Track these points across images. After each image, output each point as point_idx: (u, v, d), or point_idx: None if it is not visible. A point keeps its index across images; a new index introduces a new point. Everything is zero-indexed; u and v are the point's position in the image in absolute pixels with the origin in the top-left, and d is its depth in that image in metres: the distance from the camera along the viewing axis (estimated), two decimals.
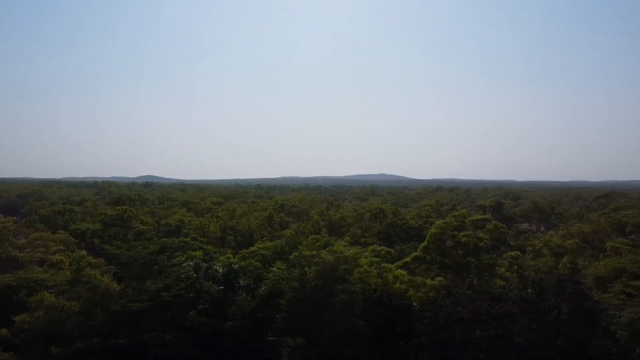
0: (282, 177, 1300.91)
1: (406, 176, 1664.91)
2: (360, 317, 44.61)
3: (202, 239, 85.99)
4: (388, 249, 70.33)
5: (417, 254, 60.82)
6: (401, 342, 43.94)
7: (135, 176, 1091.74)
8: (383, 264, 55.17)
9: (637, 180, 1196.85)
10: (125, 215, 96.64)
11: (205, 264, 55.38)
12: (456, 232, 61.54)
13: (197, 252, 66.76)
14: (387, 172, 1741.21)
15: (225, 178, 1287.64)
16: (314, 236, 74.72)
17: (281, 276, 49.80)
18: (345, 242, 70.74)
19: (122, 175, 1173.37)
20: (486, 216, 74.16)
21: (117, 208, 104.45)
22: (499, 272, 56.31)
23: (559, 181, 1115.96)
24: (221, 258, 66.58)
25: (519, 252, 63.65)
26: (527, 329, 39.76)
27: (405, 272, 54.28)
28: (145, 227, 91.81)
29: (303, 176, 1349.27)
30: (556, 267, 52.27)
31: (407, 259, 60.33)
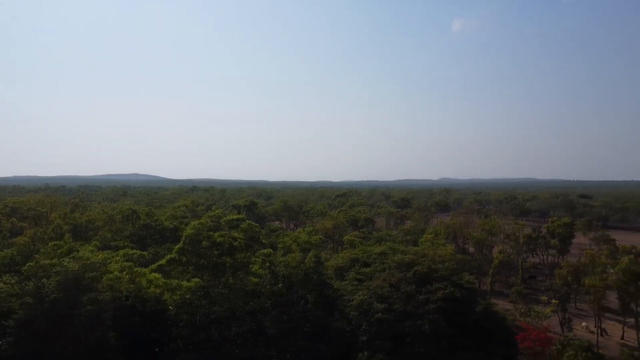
0: (15, 177, 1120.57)
1: (161, 176, 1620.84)
2: (110, 328, 41.08)
3: None
4: (141, 252, 66.89)
5: (173, 255, 59.32)
6: (156, 349, 42.04)
7: None
8: (136, 268, 52.13)
9: (369, 181, 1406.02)
10: None
11: None
12: (212, 233, 61.99)
13: None
14: (140, 172, 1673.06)
15: None
16: (55, 242, 66.09)
17: (10, 292, 42.50)
18: (93, 247, 64.63)
19: None
20: (241, 216, 76.55)
21: None
22: (253, 269, 58.76)
23: (306, 181, 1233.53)
24: None
25: (271, 250, 67.48)
26: (279, 321, 42.42)
27: (160, 275, 52.30)
28: None
29: (44, 175, 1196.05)
30: (303, 262, 57.18)
31: (162, 262, 58.35)
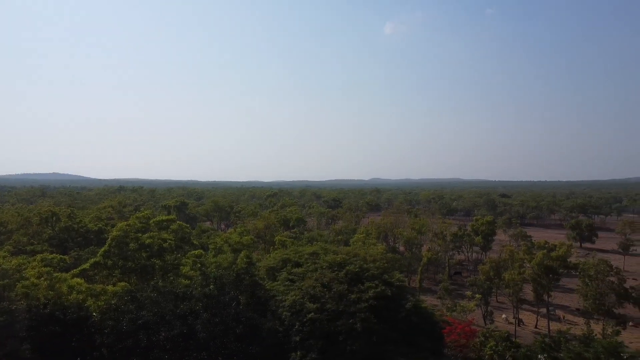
0: None
1: (84, 175, 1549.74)
2: (25, 340, 38.35)
3: None
4: (62, 256, 63.37)
5: (97, 259, 56.57)
6: (78, 359, 39.77)
7: None
8: (56, 274, 49.10)
9: (300, 181, 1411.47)
10: None
11: None
12: (140, 234, 59.76)
13: None
14: (60, 171, 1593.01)
15: None
16: None
17: None
18: (5, 252, 60.23)
19: None
20: (171, 216, 74.38)
21: None
22: (184, 271, 57.16)
23: (237, 181, 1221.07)
24: None
25: (202, 251, 65.94)
26: (210, 323, 41.46)
27: (82, 280, 49.63)
28: None
29: None
30: (235, 262, 56.27)
31: (85, 266, 55.56)
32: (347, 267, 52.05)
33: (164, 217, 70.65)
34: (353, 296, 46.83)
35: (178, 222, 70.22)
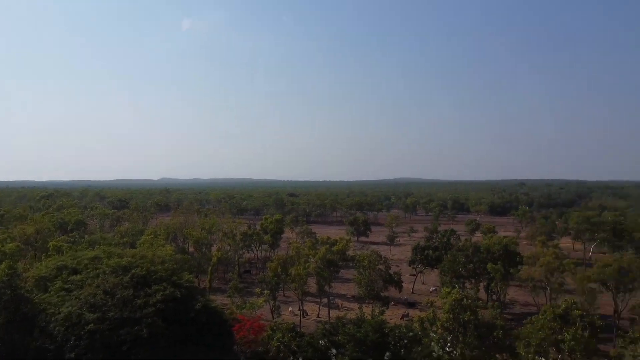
0: None
1: None
2: None
3: None
4: None
5: None
6: None
7: None
8: None
9: (81, 180, 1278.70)
10: None
11: None
12: None
13: None
14: None
15: None
16: None
17: None
18: None
19: None
20: None
21: None
22: None
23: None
24: None
25: None
26: None
27: None
28: None
29: None
30: None
31: None
32: (133, 271, 48.99)
33: None
34: (139, 301, 44.28)
35: None
